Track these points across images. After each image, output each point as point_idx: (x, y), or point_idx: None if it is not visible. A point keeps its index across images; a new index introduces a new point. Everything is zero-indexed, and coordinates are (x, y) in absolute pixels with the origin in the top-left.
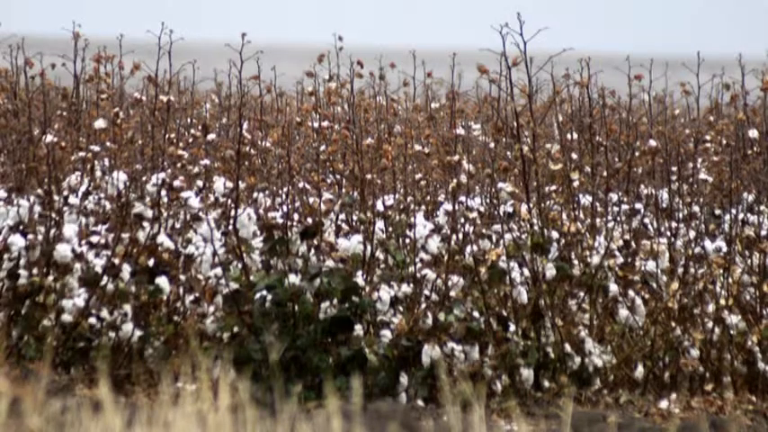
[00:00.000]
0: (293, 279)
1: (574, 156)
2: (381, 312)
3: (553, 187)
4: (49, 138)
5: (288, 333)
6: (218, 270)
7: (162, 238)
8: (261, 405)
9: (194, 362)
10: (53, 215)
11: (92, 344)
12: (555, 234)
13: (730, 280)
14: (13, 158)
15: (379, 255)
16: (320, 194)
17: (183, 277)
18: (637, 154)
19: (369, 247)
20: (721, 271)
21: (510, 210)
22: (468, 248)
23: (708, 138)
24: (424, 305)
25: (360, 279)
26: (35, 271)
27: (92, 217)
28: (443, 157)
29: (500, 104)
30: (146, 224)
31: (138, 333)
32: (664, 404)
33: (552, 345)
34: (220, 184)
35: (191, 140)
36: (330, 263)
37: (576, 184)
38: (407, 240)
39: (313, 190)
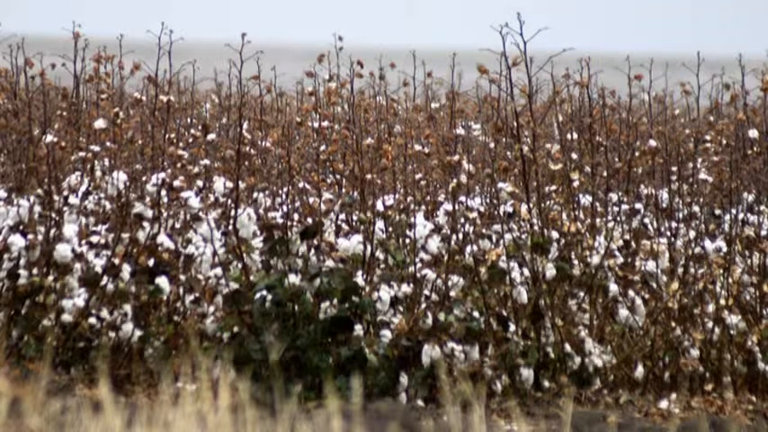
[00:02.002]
0: (293, 279)
1: (574, 156)
2: (381, 312)
3: (553, 187)
4: (49, 138)
5: (288, 333)
6: (218, 270)
7: (162, 238)
8: (261, 405)
9: (194, 362)
10: (53, 215)
11: (92, 344)
12: (555, 234)
13: (730, 280)
14: (13, 158)
15: (379, 255)
16: (320, 194)
17: (183, 277)
18: (637, 154)
19: (369, 247)
20: (721, 271)
21: (510, 210)
22: (468, 248)
23: (708, 138)
24: (424, 305)
25: (360, 279)
26: (35, 271)
27: (92, 217)
28: (443, 157)
29: (500, 104)
30: (146, 224)
31: (138, 333)
32: (664, 404)
33: (552, 345)
34: (220, 184)
35: (191, 140)
36: (330, 263)
37: (575, 184)
38: (407, 240)
39: (313, 190)
